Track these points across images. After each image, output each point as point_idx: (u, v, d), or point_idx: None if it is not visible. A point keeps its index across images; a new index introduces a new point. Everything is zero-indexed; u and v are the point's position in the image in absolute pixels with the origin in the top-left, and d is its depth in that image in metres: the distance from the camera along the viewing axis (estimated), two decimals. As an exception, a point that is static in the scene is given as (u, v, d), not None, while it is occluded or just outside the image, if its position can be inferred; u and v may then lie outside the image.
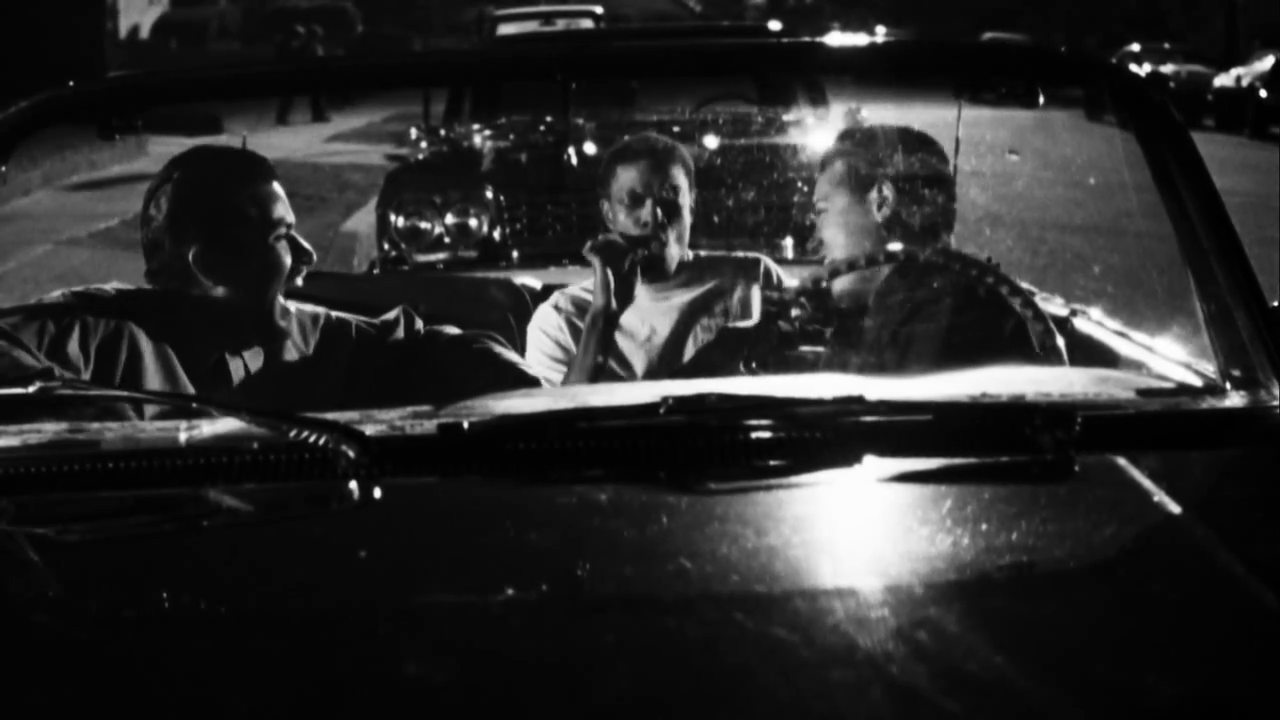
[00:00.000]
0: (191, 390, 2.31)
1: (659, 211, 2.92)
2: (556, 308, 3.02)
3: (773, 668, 1.27)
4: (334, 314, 2.56)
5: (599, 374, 2.79)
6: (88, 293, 2.35)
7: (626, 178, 2.96)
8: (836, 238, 2.80)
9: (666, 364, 2.97)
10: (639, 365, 2.98)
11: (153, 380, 2.28)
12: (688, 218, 3.01)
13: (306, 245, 2.44)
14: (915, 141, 2.78)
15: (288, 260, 2.41)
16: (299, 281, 2.45)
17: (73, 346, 2.23)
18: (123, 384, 2.23)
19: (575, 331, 2.93)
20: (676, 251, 2.99)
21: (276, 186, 2.42)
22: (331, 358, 2.49)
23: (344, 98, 17.97)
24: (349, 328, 2.55)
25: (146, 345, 2.30)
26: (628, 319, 2.94)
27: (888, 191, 2.75)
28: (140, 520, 1.70)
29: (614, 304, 2.78)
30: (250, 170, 2.45)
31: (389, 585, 1.50)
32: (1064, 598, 1.45)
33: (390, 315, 2.59)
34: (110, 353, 2.27)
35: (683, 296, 3.03)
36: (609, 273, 2.77)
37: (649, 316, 3.00)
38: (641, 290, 2.92)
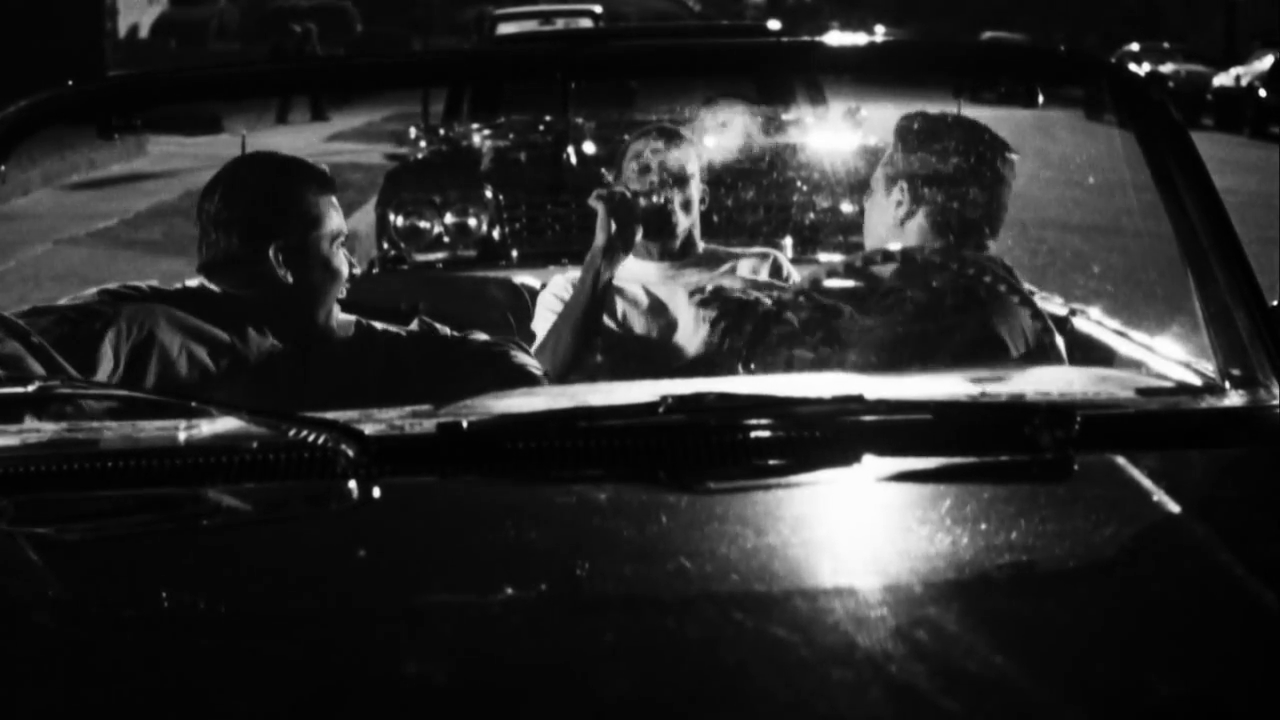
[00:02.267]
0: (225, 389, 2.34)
1: (665, 175, 2.99)
2: (568, 277, 3.06)
3: (772, 667, 1.27)
4: (364, 320, 2.61)
5: (592, 313, 2.81)
6: (121, 293, 2.39)
7: (637, 150, 3.06)
8: (869, 232, 2.81)
9: (663, 334, 3.00)
10: (636, 328, 3.00)
11: (186, 383, 2.31)
12: (696, 194, 3.07)
13: (352, 258, 2.55)
14: (962, 136, 2.74)
15: (345, 269, 2.51)
16: (343, 290, 2.54)
17: (104, 350, 2.25)
18: (155, 388, 2.25)
19: None
20: (684, 221, 3.05)
21: (335, 198, 2.53)
22: (363, 363, 2.53)
23: (343, 97, 17.97)
24: (377, 334, 2.59)
25: (182, 348, 2.33)
26: (631, 287, 2.98)
27: (906, 190, 2.73)
28: (140, 520, 1.70)
29: (613, 245, 2.80)
30: (317, 178, 2.52)
31: (388, 585, 1.50)
32: (1063, 597, 1.45)
33: (414, 325, 2.65)
34: (143, 356, 2.30)
35: (689, 276, 3.07)
36: (612, 218, 2.79)
37: (653, 287, 3.03)
38: (649, 264, 3.00)
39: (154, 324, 2.32)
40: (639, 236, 2.84)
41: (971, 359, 2.46)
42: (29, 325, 2.21)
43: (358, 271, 2.57)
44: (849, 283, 2.65)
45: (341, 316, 2.57)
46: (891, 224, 2.75)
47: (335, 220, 2.50)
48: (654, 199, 2.94)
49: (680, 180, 3.03)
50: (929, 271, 2.60)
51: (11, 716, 1.25)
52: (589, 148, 4.68)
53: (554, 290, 3.07)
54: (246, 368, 2.39)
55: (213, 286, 2.45)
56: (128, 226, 11.50)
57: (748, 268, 3.11)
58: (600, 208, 2.80)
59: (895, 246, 2.65)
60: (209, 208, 2.45)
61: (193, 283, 2.48)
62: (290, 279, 2.43)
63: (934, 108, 2.85)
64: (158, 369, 2.29)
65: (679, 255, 3.09)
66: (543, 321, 3.00)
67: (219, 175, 2.50)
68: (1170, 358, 2.33)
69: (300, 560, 1.59)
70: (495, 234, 4.73)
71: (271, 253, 2.42)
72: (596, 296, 2.83)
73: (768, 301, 2.68)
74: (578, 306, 2.84)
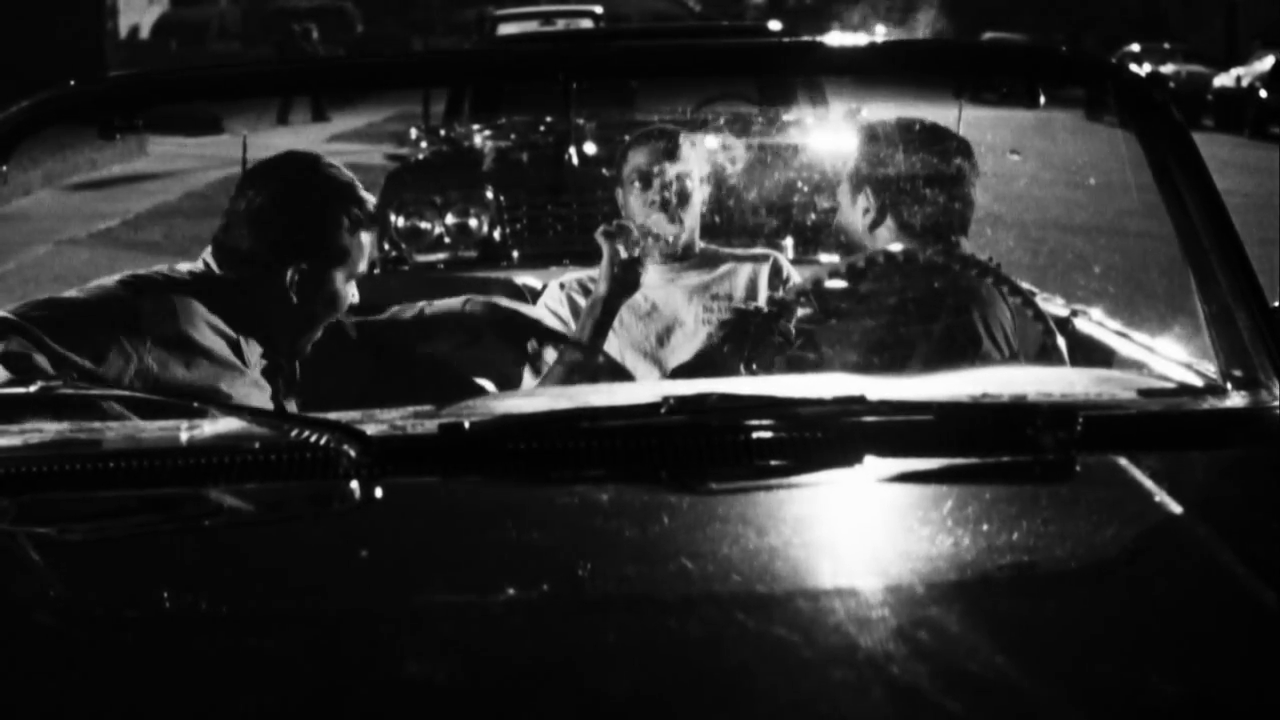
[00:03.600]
0: (251, 378, 2.36)
1: (666, 193, 2.94)
2: (562, 285, 3.04)
3: (774, 667, 1.27)
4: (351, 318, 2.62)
5: (591, 358, 2.79)
6: (140, 279, 2.38)
7: (639, 160, 3.00)
8: (842, 237, 2.83)
9: (660, 340, 2.98)
10: (634, 336, 2.98)
11: (211, 366, 2.31)
12: (699, 203, 3.03)
13: (354, 292, 2.55)
14: (924, 139, 2.76)
15: (347, 302, 2.51)
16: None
17: (123, 339, 2.25)
18: (181, 372, 2.25)
19: (575, 310, 2.94)
20: (687, 232, 3.01)
21: (372, 235, 2.54)
22: (360, 359, 2.55)
23: (344, 98, 17.97)
24: (364, 328, 2.61)
25: (203, 332, 2.33)
26: None
27: (871, 196, 2.75)
28: (141, 520, 1.70)
29: (616, 292, 2.77)
30: (364, 212, 2.51)
31: (390, 585, 1.50)
32: (1065, 598, 1.45)
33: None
34: (167, 342, 2.29)
35: (688, 279, 3.04)
36: (616, 259, 2.74)
37: (652, 293, 2.99)
38: (648, 267, 2.93)
39: (168, 315, 2.32)
40: (643, 279, 2.78)
41: (971, 360, 2.46)
42: (41, 316, 2.21)
43: (355, 301, 2.55)
44: (849, 284, 2.65)
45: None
46: (861, 229, 2.77)
47: (359, 257, 2.49)
48: (661, 239, 2.88)
49: (682, 194, 2.98)
50: (930, 273, 2.60)
51: (12, 716, 1.25)
52: (590, 148, 4.68)
53: (548, 302, 3.04)
54: (241, 367, 2.38)
55: (216, 269, 2.43)
56: (128, 227, 11.49)
57: (747, 269, 3.09)
58: (604, 247, 2.74)
59: (896, 248, 2.66)
60: (251, 196, 2.43)
61: (196, 265, 2.45)
62: (295, 301, 2.43)
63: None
64: (170, 362, 2.29)
65: (678, 258, 3.07)
66: None
67: (271, 166, 2.50)
68: (1171, 359, 2.33)
69: (302, 560, 1.59)
70: (496, 235, 4.73)
71: (289, 273, 2.41)
72: (597, 347, 2.77)
73: (767, 305, 2.69)
74: (575, 357, 2.79)
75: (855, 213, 2.79)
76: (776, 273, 3.10)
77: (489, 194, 4.77)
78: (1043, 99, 2.32)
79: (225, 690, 1.29)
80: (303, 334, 2.49)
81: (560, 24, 16.16)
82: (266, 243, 2.42)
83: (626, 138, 3.19)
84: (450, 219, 4.82)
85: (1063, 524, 1.62)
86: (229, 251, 2.44)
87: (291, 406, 2.41)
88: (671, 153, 2.99)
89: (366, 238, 2.50)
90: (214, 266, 2.44)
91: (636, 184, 2.99)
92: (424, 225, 4.81)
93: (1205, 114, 23.57)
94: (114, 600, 1.50)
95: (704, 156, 3.08)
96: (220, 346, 2.35)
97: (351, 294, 2.52)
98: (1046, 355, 2.51)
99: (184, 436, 1.79)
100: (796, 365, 2.53)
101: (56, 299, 2.33)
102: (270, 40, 25.36)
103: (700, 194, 3.05)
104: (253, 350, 2.42)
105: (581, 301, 2.94)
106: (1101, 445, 1.75)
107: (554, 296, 3.03)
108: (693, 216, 3.05)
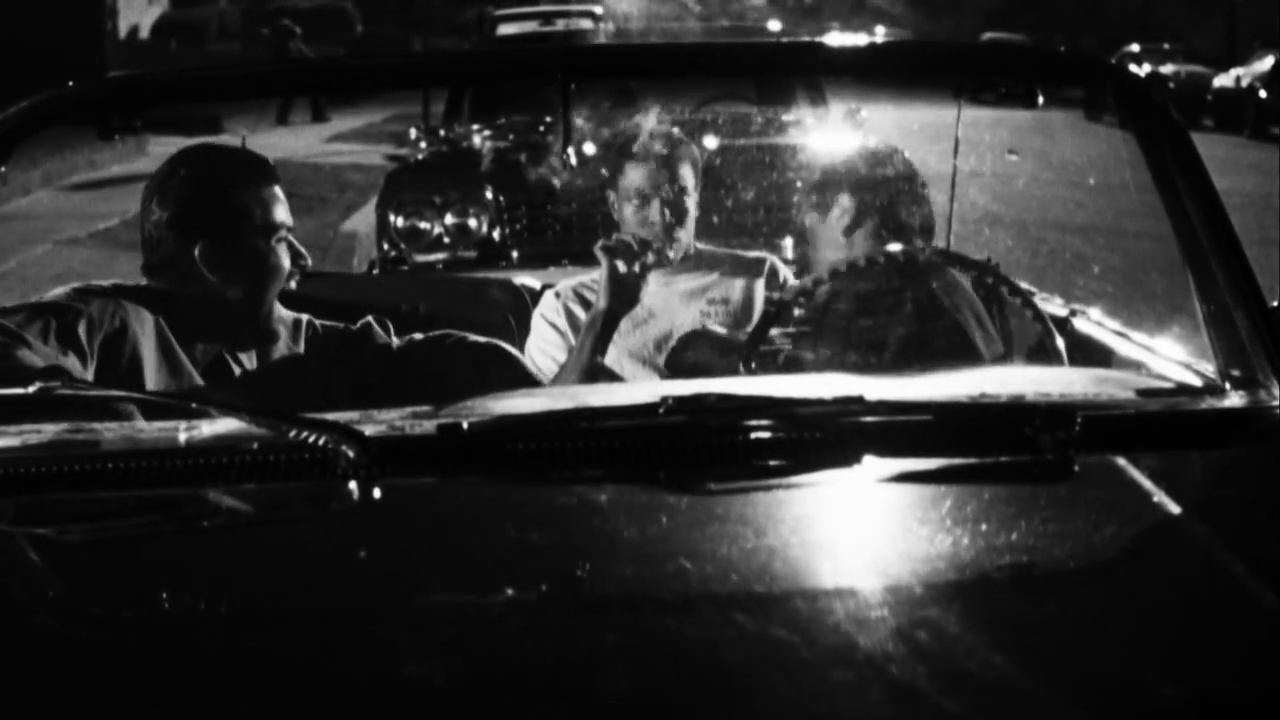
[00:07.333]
0: (195, 386, 2.33)
1: (667, 212, 2.92)
2: (557, 294, 3.02)
3: (773, 668, 1.27)
4: (317, 321, 2.58)
5: (592, 371, 2.77)
6: (89, 289, 2.37)
7: (635, 175, 2.96)
8: (815, 252, 2.89)
9: (658, 346, 2.97)
10: (631, 343, 2.97)
11: (156, 377, 2.30)
12: (694, 212, 3.01)
13: (302, 250, 2.50)
14: (877, 156, 2.91)
15: (286, 264, 2.45)
16: (292, 285, 2.49)
17: (78, 342, 2.24)
18: (126, 380, 2.24)
19: (572, 319, 2.93)
20: (683, 244, 3.00)
21: (278, 189, 2.47)
22: (313, 363, 2.51)
23: (344, 98, 17.96)
24: (331, 334, 2.58)
25: (149, 341, 2.32)
26: None
27: (848, 203, 2.81)
28: (140, 520, 1.70)
29: (616, 306, 2.75)
30: (255, 171, 2.48)
31: (389, 585, 1.50)
32: (1064, 598, 1.45)
33: (366, 321, 2.62)
34: (115, 348, 2.28)
35: (684, 284, 3.03)
36: (616, 274, 2.71)
37: (648, 299, 2.97)
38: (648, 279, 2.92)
39: (124, 316, 2.31)
40: (642, 294, 2.75)
41: (970, 360, 2.47)
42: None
43: (307, 264, 2.51)
44: (847, 284, 2.65)
45: (283, 313, 2.52)
46: (836, 236, 2.84)
47: (273, 213, 2.43)
48: (660, 251, 2.85)
49: (680, 210, 2.95)
50: (928, 273, 2.61)
51: (12, 716, 1.25)
52: (590, 148, 4.68)
53: (542, 310, 3.02)
54: (194, 367, 2.37)
55: (156, 285, 2.41)
56: (128, 227, 11.46)
57: (743, 272, 3.08)
58: (604, 261, 2.70)
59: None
60: (148, 205, 2.42)
61: (141, 283, 2.44)
62: (216, 279, 2.38)
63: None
64: (129, 362, 2.28)
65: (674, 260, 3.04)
66: (535, 347, 2.95)
67: (158, 171, 2.47)
68: (1170, 358, 2.34)
69: (301, 561, 1.59)
70: (495, 235, 4.74)
71: (196, 253, 2.37)
72: (595, 363, 2.75)
73: (765, 305, 2.70)
74: (579, 367, 2.76)
75: (830, 222, 2.86)
76: (773, 276, 3.10)
77: (488, 194, 4.78)
78: (1041, 99, 2.32)
79: (225, 690, 1.29)
80: (250, 309, 2.43)
81: (560, 24, 16.15)
82: (172, 236, 2.38)
83: (635, 150, 3.11)
84: (450, 219, 4.83)
85: (1061, 524, 1.63)
86: (152, 267, 2.42)
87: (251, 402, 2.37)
88: (668, 166, 2.95)
89: (275, 190, 2.45)
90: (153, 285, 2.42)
91: (633, 200, 2.96)
92: (423, 225, 4.83)
93: (1205, 114, 23.56)
94: (114, 600, 1.50)
95: (698, 163, 3.05)
96: (168, 351, 2.33)
97: (286, 254, 2.45)
98: (1045, 355, 2.51)
99: (182, 437, 1.79)
100: (795, 365, 2.53)
101: (8, 307, 2.30)
102: (269, 40, 25.36)
103: (695, 200, 3.02)
104: (201, 351, 2.39)
105: (578, 309, 2.93)
106: (1100, 445, 1.75)
107: (550, 306, 3.01)
108: (689, 229, 3.02)
